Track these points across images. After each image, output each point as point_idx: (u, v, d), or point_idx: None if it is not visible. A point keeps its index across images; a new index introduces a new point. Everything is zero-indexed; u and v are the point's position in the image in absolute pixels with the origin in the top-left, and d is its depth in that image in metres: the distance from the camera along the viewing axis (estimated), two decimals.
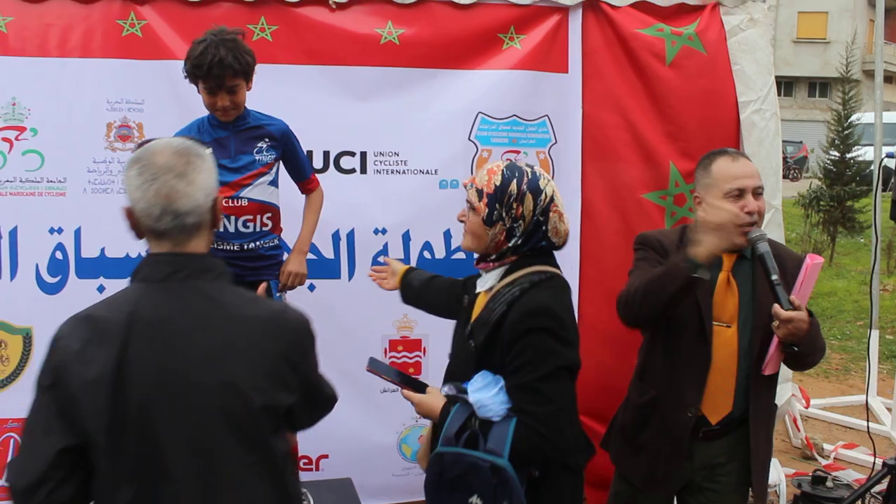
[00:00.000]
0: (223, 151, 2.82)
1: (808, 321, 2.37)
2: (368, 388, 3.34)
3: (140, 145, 1.81)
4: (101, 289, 3.37)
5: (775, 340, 2.45)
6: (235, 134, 2.88)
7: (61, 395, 1.62)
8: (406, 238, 3.59)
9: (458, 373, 2.25)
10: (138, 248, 3.34)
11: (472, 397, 2.11)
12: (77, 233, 3.38)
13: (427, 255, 3.62)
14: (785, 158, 27.06)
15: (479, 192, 2.19)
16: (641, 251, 2.65)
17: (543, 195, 2.17)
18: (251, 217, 2.87)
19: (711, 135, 3.66)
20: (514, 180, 2.17)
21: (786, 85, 32.72)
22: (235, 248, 2.86)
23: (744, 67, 3.71)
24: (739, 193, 2.46)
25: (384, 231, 3.58)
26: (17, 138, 3.34)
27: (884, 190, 5.24)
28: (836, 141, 12.97)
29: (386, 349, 3.61)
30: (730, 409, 2.54)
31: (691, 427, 2.53)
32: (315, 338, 1.81)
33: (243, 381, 1.65)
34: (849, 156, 12.84)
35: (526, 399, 2.07)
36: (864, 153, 14.44)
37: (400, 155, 3.60)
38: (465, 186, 2.28)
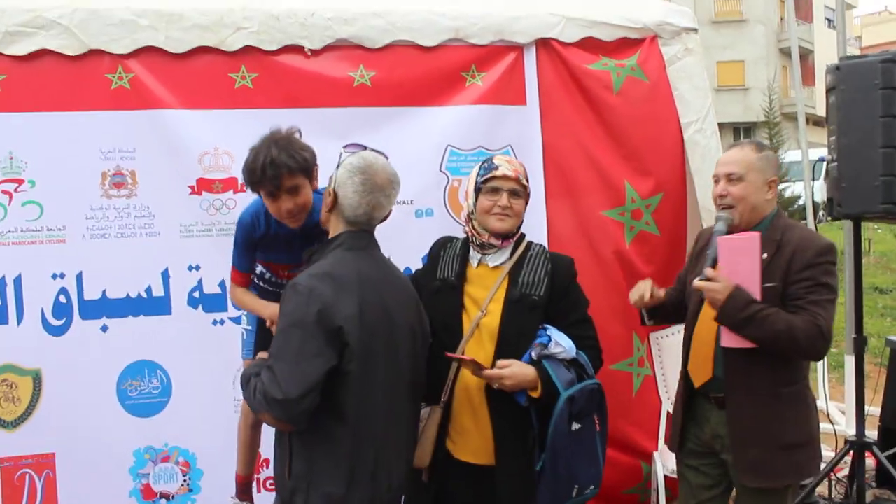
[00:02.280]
0: (285, 247, 2.81)
1: (725, 295, 2.58)
2: None
3: (353, 148, 2.46)
4: (104, 328, 3.56)
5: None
6: (302, 232, 2.75)
7: (328, 327, 2.19)
8: None
9: (510, 330, 2.55)
10: (138, 288, 3.61)
11: (564, 343, 2.54)
12: (79, 277, 3.55)
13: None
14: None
15: (527, 179, 2.68)
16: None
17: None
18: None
19: (660, 154, 4.05)
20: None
21: None
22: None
23: (683, 92, 4.10)
24: (716, 180, 2.81)
25: None
26: (16, 190, 3.52)
27: (817, 222, 5.76)
28: None
29: None
30: (710, 376, 2.79)
31: (688, 389, 2.87)
32: None
33: (417, 322, 2.48)
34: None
35: (586, 328, 2.71)
36: (792, 188, 15.29)
37: None
38: (512, 178, 2.63)
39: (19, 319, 3.50)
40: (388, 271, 2.46)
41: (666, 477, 3.91)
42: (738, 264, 2.62)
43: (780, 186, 13.61)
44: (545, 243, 3.94)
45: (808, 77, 27.71)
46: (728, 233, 2.72)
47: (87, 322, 3.55)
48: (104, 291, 3.57)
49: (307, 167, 2.65)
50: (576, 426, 2.54)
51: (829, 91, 3.75)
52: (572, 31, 4.02)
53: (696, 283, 2.66)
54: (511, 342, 2.55)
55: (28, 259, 3.51)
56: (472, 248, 2.69)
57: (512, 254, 2.66)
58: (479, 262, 2.67)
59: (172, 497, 3.63)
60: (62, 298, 3.53)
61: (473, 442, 2.59)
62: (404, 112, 3.89)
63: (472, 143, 3.96)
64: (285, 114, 3.72)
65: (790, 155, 16.34)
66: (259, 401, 2.20)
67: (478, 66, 3.95)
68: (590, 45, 4.05)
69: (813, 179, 13.09)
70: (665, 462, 3.92)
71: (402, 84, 3.88)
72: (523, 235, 2.74)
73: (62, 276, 3.54)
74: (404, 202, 3.88)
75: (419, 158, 3.89)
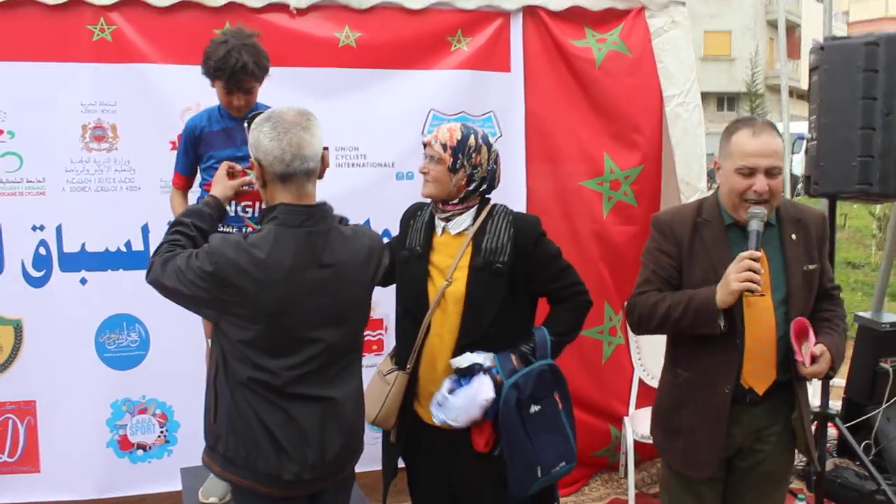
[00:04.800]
0: (229, 141, 2.99)
1: (829, 364, 2.44)
2: None
3: (253, 116, 2.31)
4: (83, 281, 3.58)
5: (794, 344, 2.46)
6: (243, 126, 2.90)
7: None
8: (366, 225, 3.85)
9: (475, 298, 2.58)
10: (117, 242, 3.61)
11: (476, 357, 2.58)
12: (58, 229, 3.56)
13: (386, 241, 3.89)
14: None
15: (444, 146, 2.62)
16: (652, 238, 2.67)
17: (494, 148, 2.71)
18: (250, 203, 3.01)
19: (640, 126, 4.10)
20: (472, 135, 2.66)
21: None
22: (234, 230, 2.98)
23: (668, 65, 4.13)
24: (750, 172, 2.44)
25: (347, 221, 3.83)
26: None
27: (793, 195, 5.85)
28: None
29: None
30: (775, 377, 2.54)
31: (730, 403, 2.51)
32: None
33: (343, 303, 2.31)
34: None
35: (566, 276, 2.72)
36: None
37: (360, 149, 3.88)
38: (428, 143, 2.65)
39: (0, 269, 3.52)
40: (313, 258, 2.22)
41: (635, 441, 4.01)
42: (805, 337, 2.47)
43: None
44: (523, 209, 4.01)
45: (793, 50, 27.69)
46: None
47: (66, 274, 3.57)
48: (83, 244, 3.58)
49: (265, 73, 2.97)
50: (534, 408, 2.59)
51: (812, 70, 3.79)
52: (558, 0, 4.02)
53: (807, 371, 2.45)
54: (476, 310, 2.58)
55: (8, 210, 3.51)
56: (436, 217, 2.72)
57: (475, 219, 2.67)
58: (444, 230, 2.69)
59: (149, 448, 3.69)
60: (42, 250, 3.54)
61: None
62: (388, 74, 3.89)
63: (454, 108, 3.97)
64: (270, 72, 3.75)
65: None
66: (156, 260, 2.25)
67: (464, 31, 3.95)
68: (575, 14, 4.05)
69: (793, 153, 13.25)
70: (635, 427, 4.02)
71: (387, 46, 3.88)
72: (487, 200, 2.73)
73: (42, 228, 3.54)
74: (385, 164, 3.91)
75: (402, 122, 3.91)
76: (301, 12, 3.78)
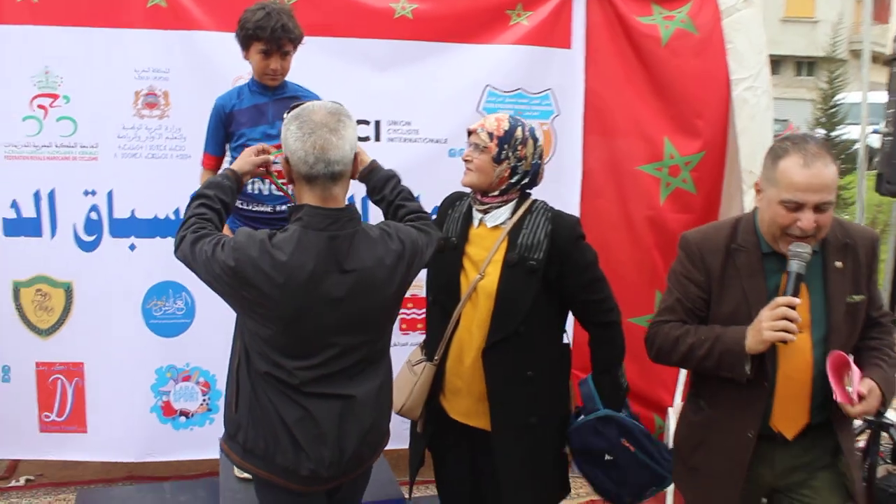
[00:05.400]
0: (262, 117, 2.98)
1: (879, 402, 2.19)
2: None
3: (294, 107, 2.22)
4: (132, 247, 3.62)
5: (833, 381, 2.18)
6: (274, 102, 2.99)
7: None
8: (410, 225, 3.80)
9: (507, 295, 2.50)
10: (166, 210, 3.63)
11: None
12: (109, 195, 3.60)
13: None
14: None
15: (490, 135, 2.53)
16: (679, 261, 2.41)
17: (540, 142, 2.61)
18: (285, 181, 3.03)
19: (703, 110, 3.91)
20: (519, 127, 2.57)
21: (773, 63, 32.77)
22: (268, 209, 3.01)
23: (737, 46, 3.91)
24: (797, 207, 2.13)
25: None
26: (51, 105, 3.53)
27: (869, 168, 5.50)
28: (822, 119, 13.23)
29: None
30: (807, 420, 2.28)
31: (754, 446, 2.27)
32: None
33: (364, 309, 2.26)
34: (833, 134, 13.11)
35: (597, 289, 2.61)
36: (849, 132, 14.78)
37: (412, 124, 3.81)
38: (474, 131, 2.56)
39: (53, 233, 3.57)
40: (335, 263, 2.15)
41: None
42: (846, 372, 2.20)
43: (837, 131, 13.22)
44: (577, 192, 3.92)
45: (881, 13, 26.40)
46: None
47: (116, 240, 3.61)
48: (133, 211, 3.61)
49: (301, 41, 3.01)
50: (608, 458, 2.60)
51: (893, 60, 3.56)
52: None
53: (855, 412, 2.18)
54: (508, 307, 2.51)
55: (61, 174, 3.55)
56: (474, 208, 2.64)
57: (513, 214, 2.58)
58: (480, 222, 2.61)
59: (192, 415, 3.75)
60: (93, 215, 3.59)
61: (463, 402, 2.61)
62: (444, 48, 3.79)
63: (511, 84, 3.86)
64: (322, 42, 3.69)
65: (851, 97, 15.73)
66: (186, 236, 2.24)
67: (524, 5, 3.81)
68: None
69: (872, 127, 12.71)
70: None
71: (444, 18, 3.77)
72: (527, 195, 2.64)
73: (93, 193, 3.58)
74: (438, 140, 3.83)
75: (456, 97, 3.82)
76: None
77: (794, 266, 2.14)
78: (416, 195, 3.71)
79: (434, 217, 2.76)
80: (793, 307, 2.09)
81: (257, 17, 2.90)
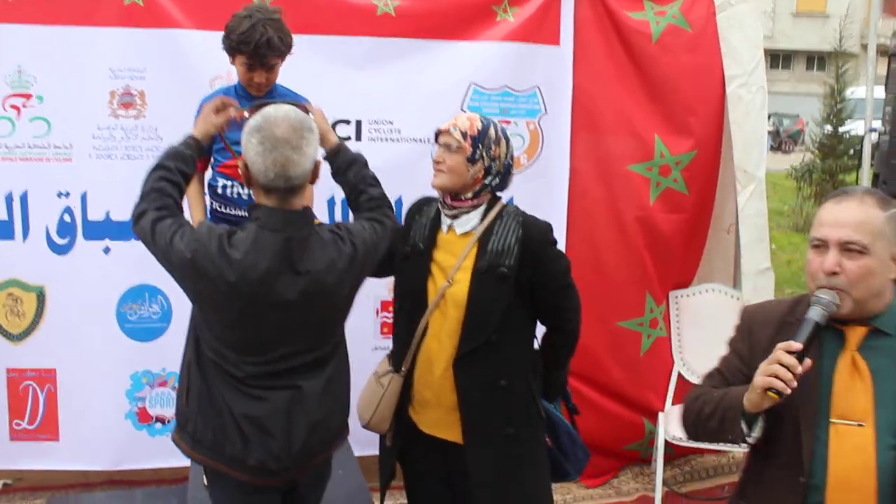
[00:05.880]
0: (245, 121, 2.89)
1: None
2: (358, 347, 3.48)
3: (257, 107, 2.22)
4: (106, 250, 3.54)
5: None
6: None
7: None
8: (399, 204, 3.64)
9: (478, 303, 2.41)
10: None
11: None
12: (83, 197, 3.51)
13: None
14: (778, 131, 27.11)
15: (464, 134, 2.44)
16: (734, 329, 2.10)
17: (511, 143, 2.55)
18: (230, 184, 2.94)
19: (697, 108, 3.82)
20: (492, 126, 2.50)
21: (784, 58, 32.63)
22: (243, 213, 2.92)
23: (731, 42, 3.81)
24: (821, 245, 1.86)
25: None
26: (24, 105, 3.45)
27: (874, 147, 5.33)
28: (830, 115, 13.04)
29: (378, 310, 3.76)
30: None
31: None
32: None
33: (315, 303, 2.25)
34: (841, 130, 12.92)
35: (565, 296, 2.53)
36: (856, 128, 14.57)
37: (394, 123, 3.71)
38: (445, 131, 2.48)
39: (24, 235, 3.49)
40: (289, 264, 2.16)
41: (667, 441, 3.84)
42: None
43: (845, 127, 13.01)
44: (565, 192, 3.81)
45: (892, 7, 26.08)
46: (826, 322, 1.83)
47: (89, 242, 3.52)
48: (108, 213, 3.53)
49: (289, 51, 2.85)
50: None
51: (893, 56, 3.43)
52: None
53: None
54: (479, 316, 2.42)
55: (35, 175, 3.47)
56: (442, 213, 2.54)
57: (483, 218, 2.48)
58: (449, 228, 2.51)
59: (168, 421, 3.66)
60: (66, 217, 3.51)
61: (433, 415, 2.51)
62: (428, 45, 3.68)
63: (497, 82, 3.75)
64: (303, 40, 3.51)
65: (859, 92, 15.52)
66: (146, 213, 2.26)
67: (510, 1, 3.71)
68: None
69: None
70: (670, 424, 3.84)
71: (427, 15, 3.67)
72: (497, 198, 2.54)
73: (67, 194, 3.50)
74: (420, 140, 3.73)
75: (440, 95, 3.71)
76: None
77: (812, 313, 1.83)
78: (398, 196, 3.69)
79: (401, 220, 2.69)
80: (799, 356, 1.77)
81: (242, 27, 2.74)
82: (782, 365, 1.76)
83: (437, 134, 2.52)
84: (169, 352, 3.59)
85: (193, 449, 2.30)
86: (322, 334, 2.28)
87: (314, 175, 2.24)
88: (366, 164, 2.61)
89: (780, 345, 1.81)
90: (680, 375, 4.04)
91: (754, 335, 2.02)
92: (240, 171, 2.23)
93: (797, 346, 1.78)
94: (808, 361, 1.78)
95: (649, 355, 4.03)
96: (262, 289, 2.12)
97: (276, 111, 2.17)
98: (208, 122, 2.58)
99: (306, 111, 2.49)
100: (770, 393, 1.76)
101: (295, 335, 2.21)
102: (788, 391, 1.75)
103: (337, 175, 2.59)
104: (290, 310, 2.17)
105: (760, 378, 1.78)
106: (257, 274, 2.11)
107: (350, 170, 2.56)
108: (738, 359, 2.03)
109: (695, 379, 4.00)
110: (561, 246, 3.76)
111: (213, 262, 2.10)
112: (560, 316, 2.54)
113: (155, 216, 2.22)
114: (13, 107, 3.44)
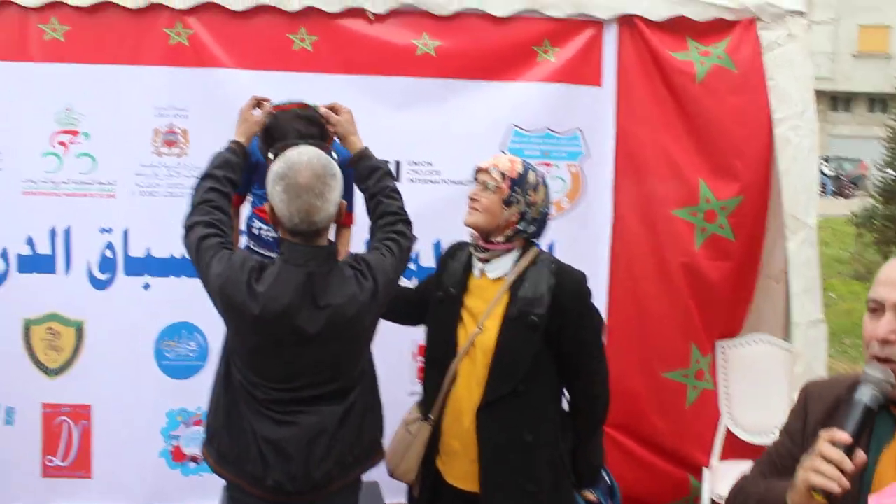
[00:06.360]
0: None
1: None
2: (394, 390, 3.42)
3: (280, 149, 2.29)
4: (146, 286, 3.57)
5: None
6: None
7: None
8: (436, 247, 3.66)
9: (506, 350, 2.35)
10: (182, 249, 3.51)
11: None
12: (125, 233, 3.55)
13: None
14: (839, 176, 26.46)
15: (503, 175, 2.41)
16: (786, 419, 1.88)
17: (550, 191, 2.51)
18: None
19: (742, 151, 3.70)
20: (532, 171, 2.47)
21: (844, 100, 32.00)
22: (276, 256, 2.90)
23: (780, 83, 3.70)
24: (877, 307, 1.62)
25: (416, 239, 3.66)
26: (71, 142, 3.52)
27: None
28: (893, 159, 12.69)
29: (414, 353, 3.69)
30: None
31: None
32: None
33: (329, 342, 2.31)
34: None
35: (595, 356, 2.44)
36: None
37: (433, 164, 3.69)
38: (485, 169, 2.44)
39: (66, 270, 3.54)
40: (310, 298, 2.21)
41: (713, 500, 3.67)
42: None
43: None
44: (608, 236, 3.73)
45: None
46: (884, 401, 1.56)
47: (130, 278, 3.56)
48: (149, 250, 3.56)
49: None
50: None
51: None
52: (660, 9, 3.66)
53: None
54: (506, 365, 2.35)
55: (79, 211, 3.52)
56: (475, 257, 2.48)
57: (516, 264, 2.42)
58: (481, 273, 2.46)
59: (201, 461, 3.62)
60: (108, 253, 3.55)
61: (461, 466, 2.43)
62: (468, 86, 3.66)
63: (538, 123, 3.71)
64: (343, 80, 3.61)
65: None
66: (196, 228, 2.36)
67: (551, 41, 3.67)
68: (678, 24, 3.68)
69: None
70: (716, 482, 3.68)
71: (468, 55, 3.65)
72: (532, 245, 2.48)
73: (109, 230, 3.54)
74: (459, 182, 3.68)
75: (480, 137, 3.66)
76: (379, 18, 3.60)
77: (861, 394, 1.55)
78: (435, 239, 3.66)
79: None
80: (848, 451, 1.48)
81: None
82: (827, 459, 1.47)
83: (477, 171, 2.48)
84: (205, 390, 3.51)
85: (218, 463, 2.41)
86: (344, 366, 2.33)
87: (339, 216, 2.30)
88: (389, 173, 2.64)
89: (823, 434, 1.53)
90: (728, 430, 3.88)
91: (808, 410, 1.77)
92: (267, 213, 2.26)
93: (843, 436, 1.49)
94: (860, 455, 1.48)
95: (695, 408, 3.87)
96: (284, 322, 2.18)
97: (299, 157, 2.20)
98: (249, 121, 2.64)
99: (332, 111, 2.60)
100: (816, 495, 1.47)
101: (317, 366, 2.27)
102: (838, 490, 1.45)
103: (359, 182, 2.62)
104: (312, 343, 2.22)
105: (802, 474, 1.51)
106: (279, 307, 2.17)
107: (371, 177, 2.58)
108: (790, 441, 1.78)
109: (743, 434, 3.85)
110: (602, 292, 3.73)
111: (240, 292, 2.18)
112: (586, 378, 2.45)
113: (202, 233, 2.32)
114: (60, 143, 3.52)
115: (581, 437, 2.48)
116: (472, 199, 2.47)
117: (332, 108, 2.70)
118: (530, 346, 2.34)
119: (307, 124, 2.64)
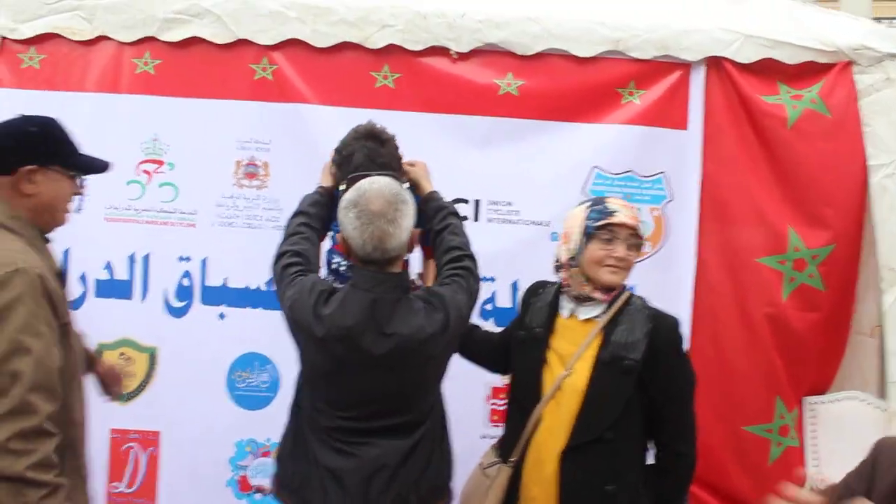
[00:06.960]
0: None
1: None
2: (467, 433, 3.34)
3: (352, 180, 2.33)
4: (221, 316, 3.58)
5: None
6: None
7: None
8: (514, 288, 3.59)
9: (597, 395, 2.27)
10: (258, 280, 3.59)
11: None
12: (203, 262, 3.59)
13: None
14: None
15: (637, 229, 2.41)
16: (852, 474, 1.89)
17: None
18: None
19: (834, 198, 3.55)
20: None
21: None
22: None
23: (876, 129, 3.54)
24: None
25: (492, 279, 3.60)
26: (155, 171, 3.59)
27: None
28: None
29: (488, 396, 3.60)
30: None
31: None
32: None
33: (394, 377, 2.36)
34: None
35: (685, 411, 2.38)
36: None
37: (513, 205, 3.63)
38: (631, 226, 2.37)
39: (143, 296, 3.59)
40: (375, 324, 2.24)
41: None
42: None
43: None
44: (690, 283, 3.60)
45: None
46: None
47: (206, 307, 3.58)
48: (225, 279, 3.59)
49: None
50: None
51: None
52: (749, 51, 3.56)
53: None
54: (596, 409, 2.27)
55: (159, 239, 3.58)
56: (563, 297, 2.40)
57: (610, 306, 2.35)
58: (571, 313, 2.37)
59: (268, 492, 3.59)
60: (185, 281, 3.58)
61: None
62: (550, 126, 3.61)
63: (621, 166, 3.62)
64: (425, 118, 3.61)
65: None
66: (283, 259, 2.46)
67: (637, 83, 3.60)
68: (768, 67, 3.57)
69: None
70: None
71: (550, 96, 3.60)
72: (625, 287, 2.42)
73: (188, 259, 3.59)
74: (541, 223, 3.63)
75: (561, 178, 3.61)
76: (462, 56, 3.59)
77: None
78: (514, 280, 3.59)
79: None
80: None
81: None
82: None
83: (614, 225, 2.38)
84: (274, 422, 3.52)
85: (280, 490, 2.49)
86: (412, 398, 2.34)
87: (411, 244, 2.36)
88: (455, 213, 2.64)
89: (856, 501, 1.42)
90: (815, 489, 3.66)
91: (877, 472, 1.73)
92: (341, 244, 2.28)
93: None
94: None
95: (778, 465, 3.66)
96: (348, 344, 2.22)
97: (370, 185, 2.23)
98: (329, 173, 2.78)
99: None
100: None
101: (383, 395, 2.28)
102: None
103: (426, 223, 2.65)
104: (378, 367, 2.24)
105: None
106: (342, 330, 2.21)
107: (436, 217, 2.62)
108: (849, 493, 1.71)
109: None
110: (685, 333, 3.57)
111: (306, 314, 2.24)
112: (673, 431, 2.36)
113: (288, 261, 2.41)
114: (145, 172, 3.59)
115: (665, 498, 2.36)
116: (619, 258, 2.37)
117: (408, 163, 2.78)
118: (623, 391, 2.27)
119: (377, 144, 2.68)
